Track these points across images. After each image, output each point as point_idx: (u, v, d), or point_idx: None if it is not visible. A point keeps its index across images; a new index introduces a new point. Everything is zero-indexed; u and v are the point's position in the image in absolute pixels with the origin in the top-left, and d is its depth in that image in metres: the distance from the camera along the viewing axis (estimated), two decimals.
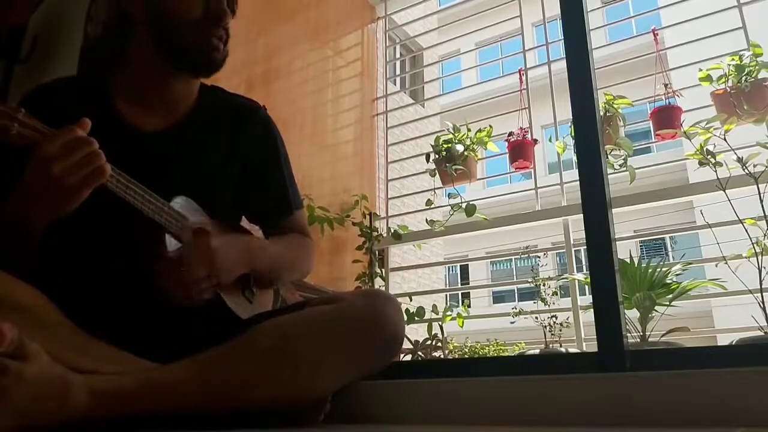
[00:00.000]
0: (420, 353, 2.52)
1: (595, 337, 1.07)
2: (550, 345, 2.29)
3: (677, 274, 1.94)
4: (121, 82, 1.13)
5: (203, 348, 0.88)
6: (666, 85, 2.43)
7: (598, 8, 4.98)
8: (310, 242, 1.28)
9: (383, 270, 2.86)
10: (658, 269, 1.91)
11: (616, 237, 1.12)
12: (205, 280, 0.97)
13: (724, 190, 1.92)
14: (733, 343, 1.73)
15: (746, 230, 1.87)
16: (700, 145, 2.04)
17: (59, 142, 0.84)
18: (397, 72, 4.92)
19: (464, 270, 13.07)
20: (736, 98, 2.10)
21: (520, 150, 2.73)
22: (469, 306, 3.01)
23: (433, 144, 2.86)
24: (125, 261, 1.01)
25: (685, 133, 2.15)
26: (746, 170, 1.86)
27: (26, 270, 0.88)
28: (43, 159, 0.83)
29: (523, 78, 2.88)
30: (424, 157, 2.91)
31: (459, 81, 10.05)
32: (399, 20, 3.92)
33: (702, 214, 2.06)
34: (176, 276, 0.95)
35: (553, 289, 2.44)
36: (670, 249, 9.90)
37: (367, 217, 2.88)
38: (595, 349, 1.07)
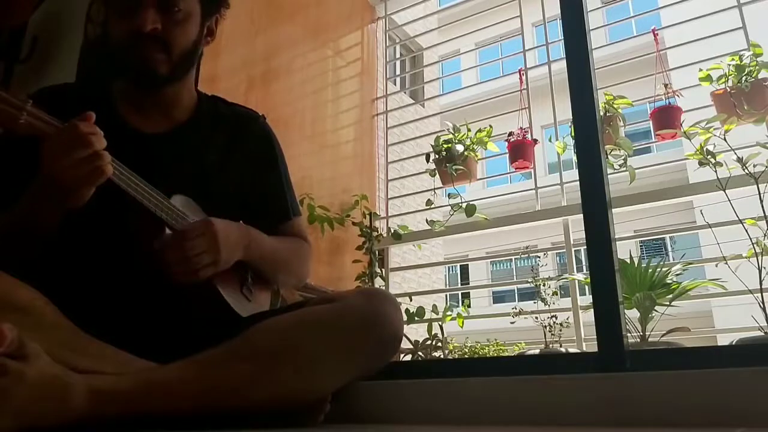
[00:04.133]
0: (420, 353, 2.51)
1: (595, 337, 1.07)
2: (550, 345, 2.28)
3: (677, 274, 1.94)
4: (120, 87, 1.16)
5: (202, 348, 0.88)
6: (666, 85, 2.43)
7: (598, 8, 4.98)
8: (308, 246, 1.29)
9: (383, 270, 2.86)
10: (658, 269, 1.91)
11: (616, 237, 1.12)
12: (206, 254, 0.98)
13: (724, 190, 1.92)
14: (733, 343, 1.73)
15: (746, 230, 1.87)
16: (700, 145, 2.03)
17: (63, 139, 0.87)
18: (397, 72, 4.92)
19: (464, 270, 13.07)
20: (736, 98, 2.10)
21: (520, 150, 2.73)
22: (469, 306, 3.00)
23: (433, 144, 2.86)
24: (124, 258, 1.02)
25: (685, 133, 2.15)
26: (746, 170, 1.86)
27: (27, 269, 0.88)
28: (49, 154, 0.86)
29: (523, 78, 2.88)
30: (424, 157, 2.91)
31: (459, 81, 10.05)
32: (399, 20, 3.91)
33: (702, 214, 2.06)
34: (177, 249, 0.96)
35: (553, 289, 2.44)
36: (670, 249, 9.90)
37: (367, 217, 2.87)
38: (595, 349, 1.07)
